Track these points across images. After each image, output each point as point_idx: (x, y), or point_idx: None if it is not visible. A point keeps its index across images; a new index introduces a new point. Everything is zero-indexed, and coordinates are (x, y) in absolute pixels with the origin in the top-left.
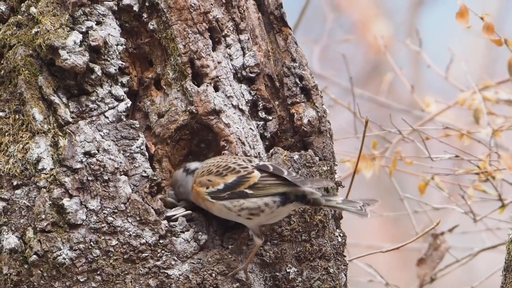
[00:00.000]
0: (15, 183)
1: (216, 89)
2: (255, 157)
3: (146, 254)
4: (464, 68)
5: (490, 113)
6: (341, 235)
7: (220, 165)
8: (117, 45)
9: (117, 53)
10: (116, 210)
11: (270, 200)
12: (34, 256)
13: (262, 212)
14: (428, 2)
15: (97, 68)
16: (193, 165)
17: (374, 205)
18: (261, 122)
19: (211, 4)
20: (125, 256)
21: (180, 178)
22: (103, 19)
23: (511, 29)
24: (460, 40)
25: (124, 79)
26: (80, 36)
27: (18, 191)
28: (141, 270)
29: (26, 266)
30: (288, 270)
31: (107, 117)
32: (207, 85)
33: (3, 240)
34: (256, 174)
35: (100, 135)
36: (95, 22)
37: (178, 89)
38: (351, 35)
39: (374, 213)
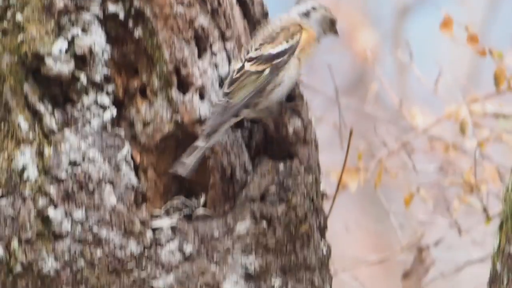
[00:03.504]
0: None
1: (202, 97)
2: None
3: (131, 265)
4: (450, 79)
5: (476, 125)
6: (326, 246)
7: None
8: (102, 53)
9: (103, 61)
10: (101, 220)
11: None
12: (19, 267)
13: None
14: (414, 11)
15: (82, 76)
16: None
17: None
18: (246, 132)
19: (197, 12)
20: (110, 267)
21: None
22: (88, 27)
23: (496, 38)
24: (446, 48)
25: (110, 88)
26: (66, 44)
27: (2, 201)
28: (126, 281)
29: (11, 278)
30: (273, 283)
31: (93, 126)
32: (192, 94)
33: None
34: None
35: (86, 144)
36: (81, 30)
37: (164, 97)
38: (337, 44)
39: (359, 226)
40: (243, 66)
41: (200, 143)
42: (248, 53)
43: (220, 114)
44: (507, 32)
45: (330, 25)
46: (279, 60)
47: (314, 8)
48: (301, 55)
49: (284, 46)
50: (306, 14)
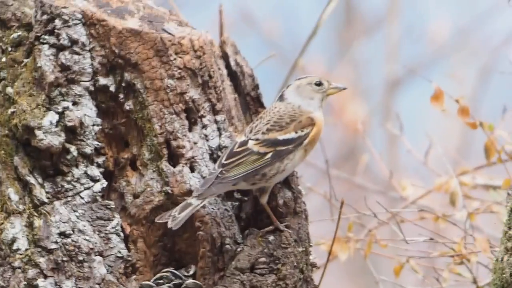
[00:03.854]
0: None
1: (192, 169)
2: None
3: None
4: (440, 151)
5: (466, 196)
6: None
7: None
8: (93, 125)
9: (93, 133)
10: None
11: None
12: None
13: None
14: (404, 83)
15: (73, 148)
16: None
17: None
18: (237, 203)
19: (188, 84)
20: None
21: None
22: (79, 100)
23: (487, 111)
24: (436, 120)
25: (100, 160)
26: (56, 117)
27: None
28: None
29: None
30: None
31: (83, 198)
32: (183, 166)
33: None
34: None
35: (76, 215)
36: (71, 103)
37: (154, 169)
38: (328, 116)
39: None
40: (246, 142)
41: (194, 201)
42: (251, 131)
43: (215, 182)
44: (497, 104)
45: (315, 87)
46: (283, 148)
47: (287, 86)
48: (308, 147)
49: (292, 135)
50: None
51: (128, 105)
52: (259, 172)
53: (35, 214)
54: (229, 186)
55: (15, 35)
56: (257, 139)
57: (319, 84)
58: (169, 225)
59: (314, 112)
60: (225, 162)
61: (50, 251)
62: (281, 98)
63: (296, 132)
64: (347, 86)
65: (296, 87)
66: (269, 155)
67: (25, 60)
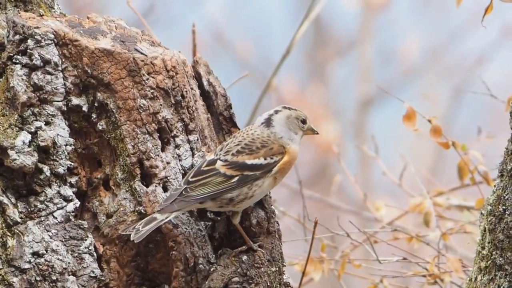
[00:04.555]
0: None
1: (165, 189)
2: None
3: None
4: (414, 172)
5: (440, 216)
6: None
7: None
8: (66, 145)
9: (66, 153)
10: None
11: None
12: None
13: None
14: (376, 103)
15: (45, 168)
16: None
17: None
18: (210, 223)
19: (160, 104)
20: None
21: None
22: (52, 119)
23: (461, 130)
24: (410, 140)
25: (73, 180)
26: (29, 136)
27: None
28: None
29: None
30: None
31: (56, 217)
32: (156, 186)
33: None
34: None
35: (49, 235)
36: (44, 122)
37: (127, 189)
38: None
39: None
40: (215, 162)
41: (159, 216)
42: (222, 149)
43: (178, 199)
44: (470, 124)
45: (300, 124)
46: (251, 173)
47: (276, 112)
48: (278, 174)
49: (261, 161)
50: (268, 121)
51: (101, 125)
52: (224, 195)
53: (8, 234)
54: (193, 204)
55: None
56: (225, 160)
57: (304, 121)
58: (131, 238)
59: (291, 144)
60: (191, 180)
61: (23, 271)
62: (268, 123)
63: (266, 159)
64: (319, 132)
65: (286, 117)
66: (235, 178)
67: None
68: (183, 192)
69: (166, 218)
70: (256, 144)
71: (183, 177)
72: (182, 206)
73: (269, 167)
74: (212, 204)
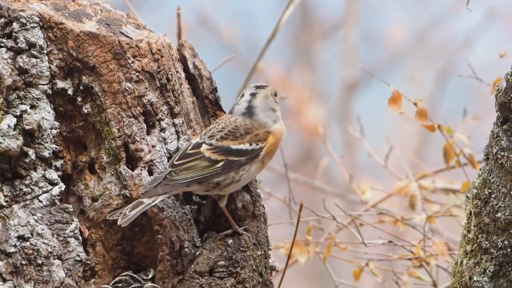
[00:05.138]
0: None
1: (151, 173)
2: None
3: None
4: (399, 154)
5: (426, 199)
6: None
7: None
8: (51, 128)
9: (51, 136)
10: None
11: None
12: None
13: None
14: (361, 86)
15: (31, 152)
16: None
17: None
18: (195, 206)
19: (146, 88)
20: None
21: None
22: (37, 103)
23: (446, 113)
24: (395, 123)
25: (58, 163)
26: (14, 120)
27: None
28: None
29: None
30: None
31: (41, 201)
32: (141, 169)
33: None
34: None
35: (34, 219)
36: (29, 106)
37: (112, 173)
38: (286, 119)
39: None
40: (200, 145)
41: (146, 200)
42: (206, 133)
43: (162, 183)
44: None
45: (276, 98)
46: (236, 159)
47: (253, 95)
48: (266, 158)
49: (246, 146)
50: (249, 110)
51: (86, 108)
52: (211, 180)
53: None
54: (179, 188)
55: None
56: (210, 144)
57: (276, 94)
58: (118, 222)
59: (275, 125)
60: (176, 163)
61: (8, 255)
62: (250, 112)
63: (251, 145)
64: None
65: (264, 99)
66: (220, 164)
67: None
68: (168, 176)
69: (152, 202)
70: (240, 131)
71: (168, 160)
72: (166, 190)
73: (254, 153)
74: (198, 188)
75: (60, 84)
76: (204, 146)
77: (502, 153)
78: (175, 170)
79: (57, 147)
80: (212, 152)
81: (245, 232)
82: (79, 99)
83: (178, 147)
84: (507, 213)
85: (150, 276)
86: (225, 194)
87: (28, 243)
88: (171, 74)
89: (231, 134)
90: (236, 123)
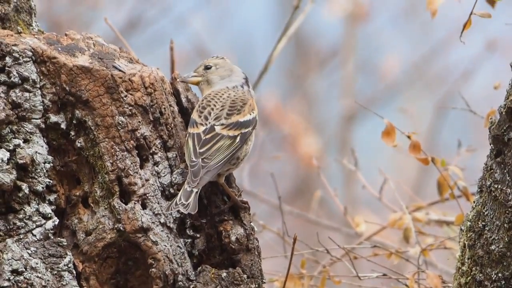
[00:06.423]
0: None
1: (144, 206)
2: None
3: None
4: (394, 187)
5: (420, 232)
6: None
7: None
8: (44, 162)
9: (45, 170)
10: None
11: None
12: None
13: None
14: (360, 116)
15: (24, 186)
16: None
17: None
18: (189, 240)
19: (139, 121)
20: None
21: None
22: (30, 137)
23: (444, 146)
24: (392, 155)
25: (52, 197)
26: (8, 154)
27: None
28: None
29: None
30: None
31: (35, 235)
32: (134, 203)
33: None
34: None
35: (28, 253)
36: (23, 140)
37: (106, 207)
38: (282, 150)
39: None
40: (212, 129)
41: (194, 188)
42: (207, 119)
43: (203, 172)
44: (454, 140)
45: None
46: (246, 130)
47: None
48: (256, 125)
49: (248, 117)
50: (246, 81)
51: (80, 142)
52: (234, 156)
53: None
54: (215, 172)
55: None
56: (222, 124)
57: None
58: (186, 211)
59: (244, 87)
60: (201, 151)
61: None
62: (247, 84)
63: (250, 114)
64: None
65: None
66: (238, 138)
67: None
68: (203, 164)
69: (198, 190)
70: (238, 103)
71: (163, 196)
72: (209, 176)
73: (254, 121)
74: (228, 167)
75: (53, 118)
76: (217, 128)
77: (496, 186)
78: (205, 157)
79: (51, 181)
80: (228, 129)
81: (245, 205)
82: (72, 133)
83: (172, 181)
84: (501, 246)
85: None
86: (235, 169)
87: (22, 277)
88: (164, 108)
89: (234, 109)
90: (231, 97)
